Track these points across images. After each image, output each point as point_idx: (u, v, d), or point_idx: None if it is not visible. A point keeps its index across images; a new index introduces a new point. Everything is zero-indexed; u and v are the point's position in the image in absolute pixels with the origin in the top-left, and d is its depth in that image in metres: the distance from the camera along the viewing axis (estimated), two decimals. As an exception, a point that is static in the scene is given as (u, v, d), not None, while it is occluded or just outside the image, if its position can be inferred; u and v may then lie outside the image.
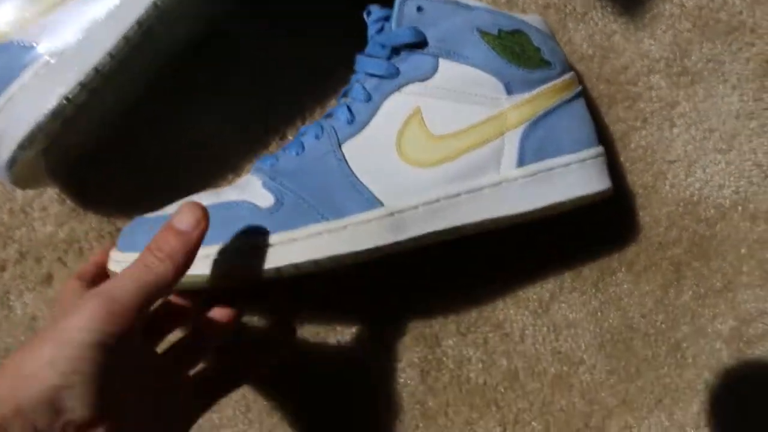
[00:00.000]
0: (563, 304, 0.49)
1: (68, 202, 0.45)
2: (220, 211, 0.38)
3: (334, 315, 0.48)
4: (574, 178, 0.42)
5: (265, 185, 0.39)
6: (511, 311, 0.48)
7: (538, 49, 0.42)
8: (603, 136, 0.48)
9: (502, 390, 0.48)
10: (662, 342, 0.49)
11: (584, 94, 0.44)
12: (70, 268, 0.45)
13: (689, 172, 0.50)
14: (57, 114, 0.36)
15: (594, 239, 0.48)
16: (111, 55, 0.36)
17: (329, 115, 0.42)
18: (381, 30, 0.42)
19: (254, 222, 0.38)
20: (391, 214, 0.39)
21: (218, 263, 0.37)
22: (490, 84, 0.41)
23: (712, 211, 0.50)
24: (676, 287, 0.49)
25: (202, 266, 0.37)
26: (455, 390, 0.48)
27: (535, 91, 0.42)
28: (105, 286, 0.30)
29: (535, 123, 0.41)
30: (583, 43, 0.51)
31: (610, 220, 0.49)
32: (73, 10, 0.36)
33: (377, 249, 0.38)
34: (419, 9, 0.41)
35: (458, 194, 0.40)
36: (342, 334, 0.47)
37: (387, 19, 0.42)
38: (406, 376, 0.47)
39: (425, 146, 0.40)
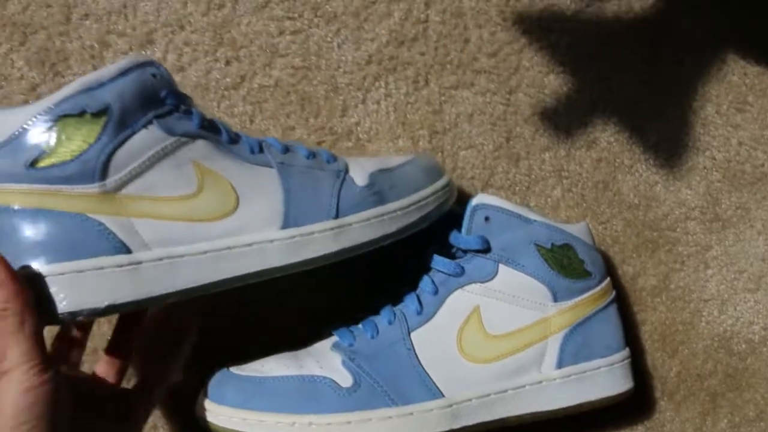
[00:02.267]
0: (611, 431, 0.54)
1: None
2: (305, 384, 0.43)
3: None
4: (602, 380, 0.47)
5: (344, 364, 0.44)
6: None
7: (582, 261, 0.48)
8: (647, 277, 0.55)
9: None
10: (701, 467, 0.54)
11: (618, 300, 0.51)
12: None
13: (722, 310, 0.56)
14: (97, 313, 0.36)
15: (639, 370, 0.53)
16: (177, 291, 0.37)
17: (398, 295, 0.47)
18: (450, 228, 0.48)
19: (335, 399, 0.43)
20: (450, 405, 0.44)
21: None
22: (540, 291, 0.47)
23: (743, 345, 0.56)
24: (713, 416, 0.55)
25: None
26: None
27: (577, 299, 0.47)
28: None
29: (575, 328, 0.47)
30: (630, 193, 0.57)
31: (654, 352, 0.54)
32: (169, 236, 0.37)
33: None
34: (486, 219, 0.46)
35: (505, 390, 0.45)
36: None
37: (455, 217, 0.48)
38: None
39: (482, 344, 0.45)
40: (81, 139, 0.36)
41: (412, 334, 0.45)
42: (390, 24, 0.54)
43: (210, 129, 0.40)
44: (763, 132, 0.59)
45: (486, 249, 0.46)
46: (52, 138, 0.35)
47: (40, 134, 0.35)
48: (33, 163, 0.35)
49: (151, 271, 0.37)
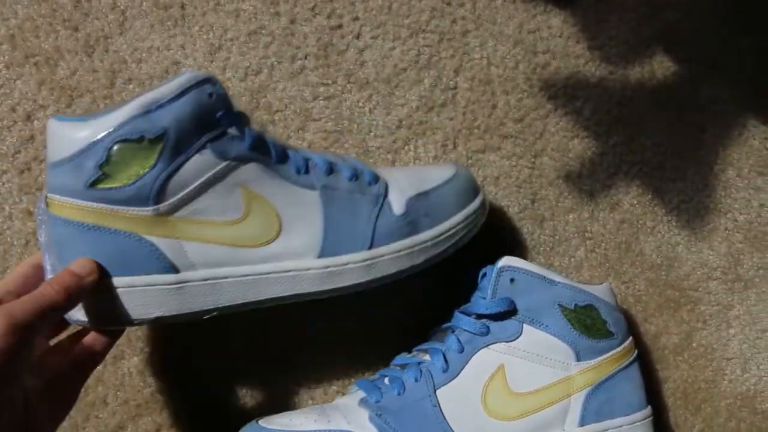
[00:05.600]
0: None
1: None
2: None
3: None
4: None
5: (371, 420, 0.45)
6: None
7: (605, 322, 0.49)
8: (670, 335, 0.57)
9: None
10: None
11: (640, 358, 0.51)
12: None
13: (745, 369, 0.57)
14: (147, 322, 0.41)
15: (662, 427, 0.55)
16: (216, 309, 0.42)
17: (424, 351, 0.49)
18: (474, 284, 0.50)
19: None
20: None
21: None
22: (564, 351, 0.48)
23: (767, 405, 0.57)
24: (737, 475, 0.55)
25: None
26: None
27: (600, 359, 0.48)
28: (9, 305, 0.36)
29: (598, 387, 0.48)
30: (652, 253, 0.58)
31: (677, 410, 0.56)
32: (214, 257, 0.41)
33: None
34: (512, 280, 0.48)
35: None
36: None
37: (479, 276, 0.50)
38: None
39: (506, 401, 0.47)
40: (138, 165, 0.39)
41: (438, 391, 0.46)
42: (420, 90, 0.57)
43: (260, 150, 0.42)
44: (784, 195, 0.61)
45: (512, 311, 0.48)
46: (111, 163, 0.38)
47: (100, 157, 0.38)
48: (93, 184, 0.38)
49: (195, 290, 0.41)
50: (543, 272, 0.49)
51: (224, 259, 0.41)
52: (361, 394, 0.47)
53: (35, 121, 0.54)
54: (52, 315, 0.38)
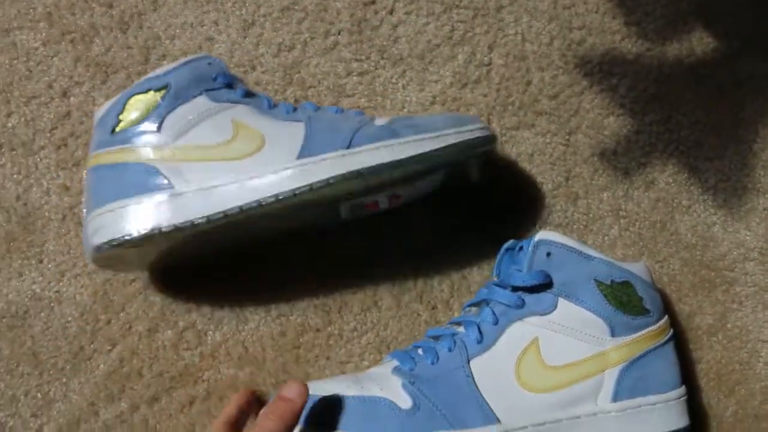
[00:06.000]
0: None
1: (250, 350, 0.52)
2: (366, 404, 0.44)
3: None
4: (658, 416, 0.48)
5: (404, 387, 0.45)
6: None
7: (641, 299, 0.48)
8: (704, 315, 0.56)
9: None
10: None
11: (675, 337, 0.51)
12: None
13: (780, 351, 0.57)
14: (148, 237, 0.44)
15: (695, 409, 0.54)
16: (208, 219, 0.44)
17: (459, 324, 0.49)
18: (511, 256, 0.49)
19: (395, 420, 0.44)
20: (506, 431, 0.45)
21: None
22: (598, 326, 0.47)
23: (800, 388, 0.56)
24: (770, 457, 0.55)
25: None
26: None
27: (635, 336, 0.48)
28: None
29: (632, 364, 0.47)
30: (687, 232, 0.58)
31: (710, 392, 0.55)
32: (205, 173, 0.45)
33: None
34: (548, 254, 0.47)
35: (560, 420, 0.46)
36: None
37: (515, 249, 0.49)
38: None
39: (539, 374, 0.46)
40: (145, 108, 0.47)
41: (471, 362, 0.46)
42: (454, 66, 0.56)
43: (251, 97, 0.48)
44: (824, 174, 0.59)
45: (548, 284, 0.48)
46: (125, 111, 0.47)
47: (118, 110, 0.47)
48: (113, 131, 0.47)
49: (189, 199, 0.45)
50: (579, 247, 0.48)
51: (214, 172, 0.45)
52: (395, 363, 0.47)
53: (71, 98, 0.54)
54: None
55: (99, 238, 0.45)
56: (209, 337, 0.52)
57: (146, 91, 0.47)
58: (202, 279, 0.53)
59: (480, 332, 0.47)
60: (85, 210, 0.47)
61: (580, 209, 0.56)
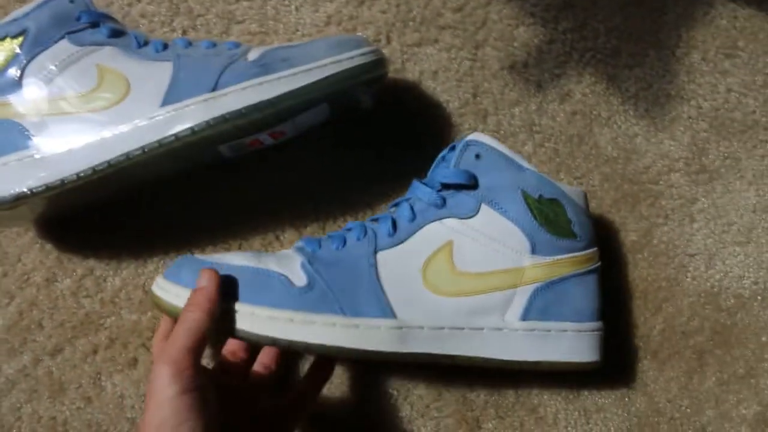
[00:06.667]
0: (593, 390, 0.52)
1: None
2: (259, 276, 0.43)
3: (376, 394, 0.51)
4: (566, 344, 0.45)
5: (302, 266, 0.43)
6: (545, 396, 0.52)
7: (570, 221, 0.46)
8: (627, 232, 0.53)
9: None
10: (688, 426, 0.52)
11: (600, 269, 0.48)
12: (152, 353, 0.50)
13: (709, 265, 0.54)
14: (19, 197, 0.43)
15: (620, 329, 0.52)
16: (78, 176, 0.42)
17: (375, 220, 0.46)
18: (442, 160, 0.46)
19: (285, 295, 0.42)
20: (400, 327, 0.43)
21: (244, 320, 0.42)
22: (519, 240, 0.45)
23: (732, 301, 0.54)
24: (700, 374, 0.53)
25: (228, 318, 0.42)
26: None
27: (556, 257, 0.45)
28: (165, 351, 0.38)
29: (548, 285, 0.45)
30: (608, 145, 0.55)
31: (636, 310, 0.52)
32: (71, 127, 0.43)
33: (380, 353, 0.42)
34: (477, 156, 0.45)
35: (461, 328, 0.44)
36: (384, 413, 0.51)
37: (451, 149, 0.46)
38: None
39: (447, 278, 0.44)
40: (3, 58, 0.44)
41: (379, 254, 0.44)
42: (349, -17, 0.53)
43: (119, 36, 0.45)
44: (754, 78, 0.56)
45: (472, 185, 0.45)
46: None
47: None
48: None
49: (57, 156, 0.43)
50: (513, 156, 0.46)
51: (78, 127, 0.43)
52: (301, 244, 0.45)
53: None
54: (200, 334, 0.39)
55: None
56: (108, 283, 0.50)
57: (2, 38, 0.44)
58: (97, 225, 0.51)
59: (394, 226, 0.45)
60: None
61: (490, 126, 0.53)
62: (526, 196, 0.45)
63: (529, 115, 0.53)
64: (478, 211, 0.45)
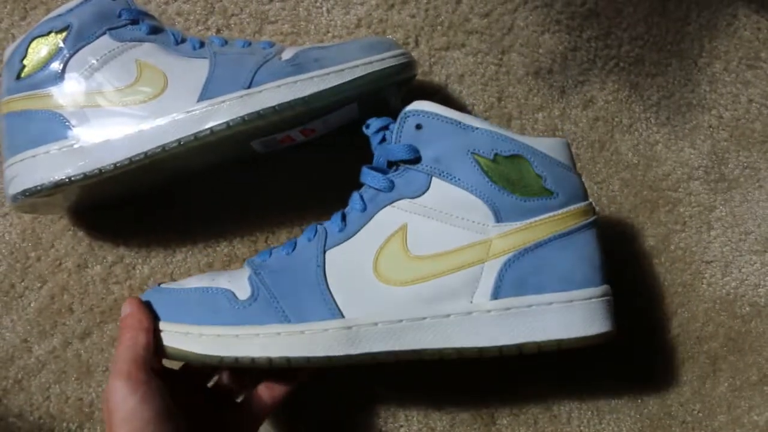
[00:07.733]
0: (607, 391, 0.53)
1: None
2: (206, 296, 0.42)
3: (392, 389, 0.51)
4: (554, 319, 0.40)
5: (249, 278, 0.42)
6: (560, 395, 0.53)
7: (539, 177, 0.41)
8: (645, 237, 0.54)
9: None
10: (699, 430, 0.53)
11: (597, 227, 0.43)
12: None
13: (726, 272, 0.55)
14: (59, 185, 0.44)
15: (635, 332, 0.52)
16: (115, 166, 0.44)
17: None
18: (382, 141, 0.43)
19: (230, 311, 0.40)
20: (349, 327, 0.40)
21: (193, 343, 0.40)
22: (479, 209, 0.41)
23: (747, 308, 0.54)
24: (713, 379, 0.53)
25: (179, 341, 0.41)
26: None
27: (527, 221, 0.41)
28: (113, 370, 0.39)
29: (522, 254, 0.40)
30: (628, 152, 0.56)
31: (651, 314, 0.53)
32: (110, 119, 0.44)
33: (328, 358, 0.39)
34: (418, 126, 0.41)
35: (423, 318, 0.40)
36: (397, 409, 0.52)
37: (388, 128, 0.43)
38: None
39: (400, 265, 0.40)
40: (47, 52, 0.45)
41: (328, 252, 0.41)
42: (380, -13, 0.54)
43: (157, 33, 0.47)
44: (775, 89, 0.57)
45: (415, 159, 0.41)
46: (28, 55, 0.46)
47: (21, 54, 0.46)
48: (17, 77, 0.45)
49: (95, 146, 0.44)
50: (459, 117, 0.41)
51: (117, 119, 0.44)
52: (254, 257, 0.44)
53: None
54: (143, 352, 0.40)
55: (13, 188, 0.45)
56: (137, 271, 0.52)
57: (47, 33, 0.46)
58: (128, 214, 0.52)
59: (344, 221, 0.42)
60: (4, 156, 0.47)
61: (514, 130, 0.54)
62: (478, 159, 0.40)
63: (553, 120, 0.54)
64: (429, 187, 0.41)
